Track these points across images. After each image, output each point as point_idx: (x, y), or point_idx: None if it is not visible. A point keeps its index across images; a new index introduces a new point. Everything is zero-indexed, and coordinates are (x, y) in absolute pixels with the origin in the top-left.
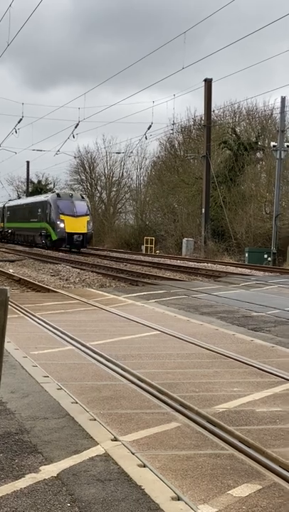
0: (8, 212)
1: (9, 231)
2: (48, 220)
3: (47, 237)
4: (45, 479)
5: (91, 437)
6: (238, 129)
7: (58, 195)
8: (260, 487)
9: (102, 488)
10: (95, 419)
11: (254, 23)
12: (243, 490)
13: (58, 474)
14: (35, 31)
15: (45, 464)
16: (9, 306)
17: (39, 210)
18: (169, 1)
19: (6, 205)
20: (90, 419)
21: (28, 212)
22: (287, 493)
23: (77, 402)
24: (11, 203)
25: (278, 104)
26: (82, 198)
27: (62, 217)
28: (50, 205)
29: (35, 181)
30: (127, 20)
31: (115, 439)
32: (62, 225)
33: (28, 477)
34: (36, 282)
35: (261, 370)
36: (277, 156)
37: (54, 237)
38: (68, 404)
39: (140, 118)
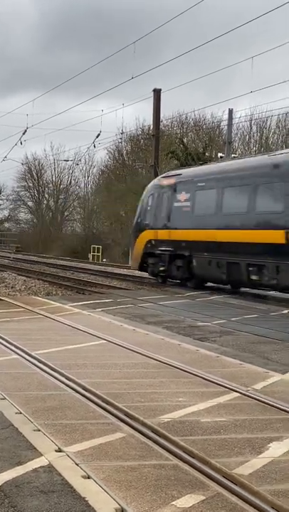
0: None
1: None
2: None
3: None
4: None
5: (35, 448)
6: (185, 140)
7: None
8: (204, 497)
9: (46, 499)
10: (39, 430)
11: (212, 35)
12: (187, 501)
13: (0, 486)
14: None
15: None
16: None
17: None
18: (138, 13)
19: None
20: (34, 430)
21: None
22: (230, 504)
23: (21, 413)
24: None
25: (226, 115)
26: None
27: None
28: None
29: None
30: (93, 31)
31: (59, 450)
32: None
33: None
34: None
35: (206, 380)
36: None
37: None
38: (12, 415)
39: (90, 126)
